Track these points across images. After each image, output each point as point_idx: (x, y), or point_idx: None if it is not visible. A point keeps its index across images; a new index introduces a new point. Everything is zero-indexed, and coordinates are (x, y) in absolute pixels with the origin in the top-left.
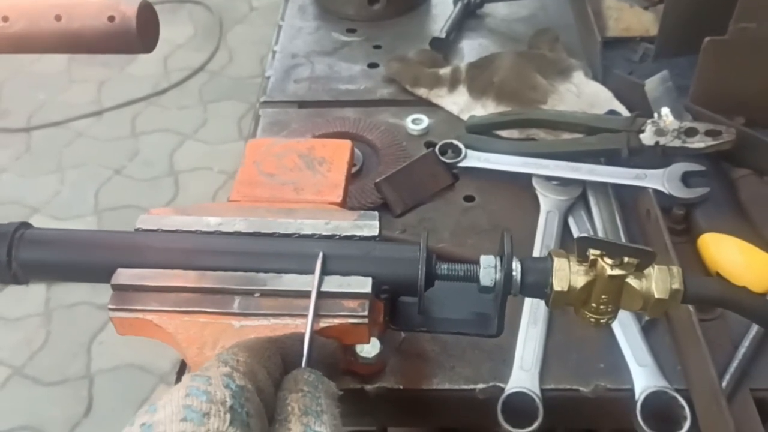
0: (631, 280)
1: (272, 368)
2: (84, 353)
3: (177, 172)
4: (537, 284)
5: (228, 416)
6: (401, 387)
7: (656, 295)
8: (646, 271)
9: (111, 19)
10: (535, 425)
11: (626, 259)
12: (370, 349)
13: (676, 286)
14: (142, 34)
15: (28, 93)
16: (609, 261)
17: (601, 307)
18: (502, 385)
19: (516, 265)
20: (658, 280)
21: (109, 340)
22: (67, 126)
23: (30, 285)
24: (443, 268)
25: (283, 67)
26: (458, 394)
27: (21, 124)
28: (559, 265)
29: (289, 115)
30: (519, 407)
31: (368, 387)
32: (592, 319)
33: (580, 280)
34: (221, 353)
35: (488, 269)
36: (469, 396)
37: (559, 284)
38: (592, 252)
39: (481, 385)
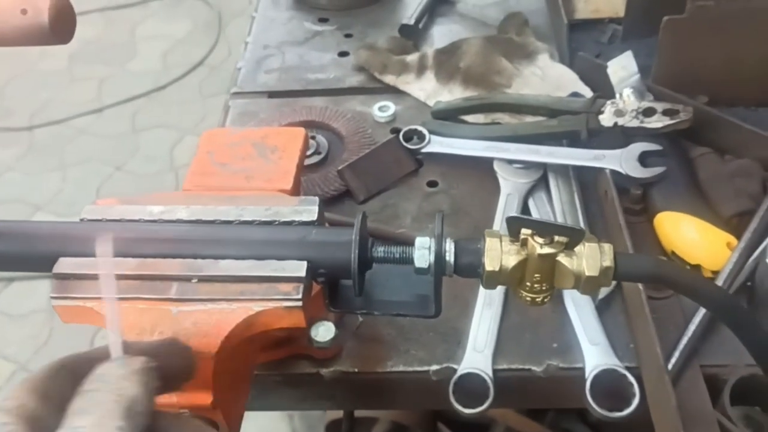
0: (562, 259)
1: (58, 390)
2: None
3: (177, 167)
4: (471, 265)
5: None
6: (356, 370)
7: (587, 273)
8: (577, 249)
9: (23, 12)
10: (486, 405)
11: (556, 238)
12: (325, 333)
13: (606, 263)
14: (55, 27)
15: (30, 92)
16: (539, 240)
17: (536, 285)
18: (455, 366)
19: (449, 246)
20: (589, 258)
21: None
22: (68, 124)
23: (35, 281)
24: (379, 251)
25: (255, 58)
26: (412, 377)
27: (23, 123)
28: (491, 245)
29: (259, 106)
30: (471, 388)
31: (324, 371)
32: (528, 299)
33: (511, 260)
34: None
35: (422, 251)
36: (422, 378)
37: (490, 264)
38: (523, 231)
39: (434, 367)
